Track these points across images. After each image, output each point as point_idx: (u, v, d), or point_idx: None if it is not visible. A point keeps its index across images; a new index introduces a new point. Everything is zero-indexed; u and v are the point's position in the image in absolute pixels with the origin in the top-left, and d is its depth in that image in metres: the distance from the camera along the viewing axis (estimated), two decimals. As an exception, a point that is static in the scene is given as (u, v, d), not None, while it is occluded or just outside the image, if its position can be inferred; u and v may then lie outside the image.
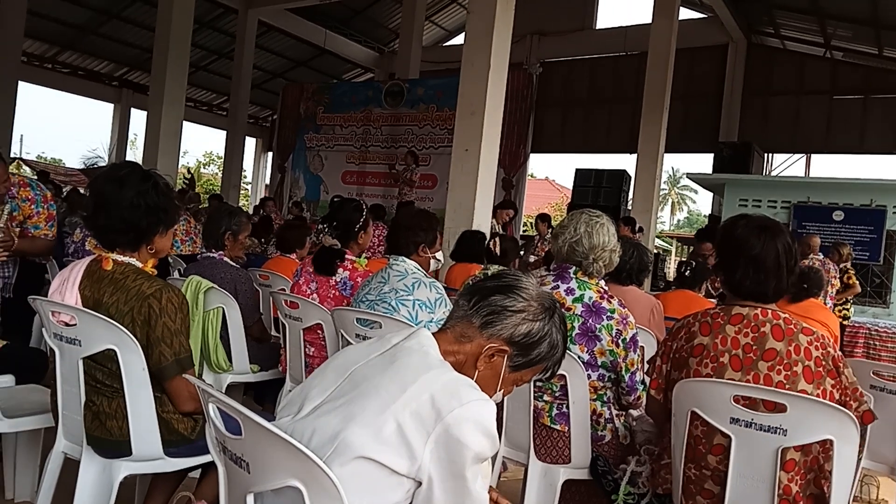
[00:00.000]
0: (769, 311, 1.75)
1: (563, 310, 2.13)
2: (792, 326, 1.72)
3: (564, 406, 2.17)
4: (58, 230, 5.10)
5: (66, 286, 1.88)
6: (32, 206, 3.44)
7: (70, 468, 1.96)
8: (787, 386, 1.66)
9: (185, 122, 8.58)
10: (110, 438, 1.85)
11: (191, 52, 8.71)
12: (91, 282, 1.87)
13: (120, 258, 1.88)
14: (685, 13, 12.33)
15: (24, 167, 21.82)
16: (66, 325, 1.83)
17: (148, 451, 1.85)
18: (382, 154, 12.23)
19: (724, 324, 1.78)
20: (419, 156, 10.93)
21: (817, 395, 1.64)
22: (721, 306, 1.87)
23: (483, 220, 6.11)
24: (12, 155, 14.61)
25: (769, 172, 13.86)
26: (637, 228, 8.97)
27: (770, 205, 10.75)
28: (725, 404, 1.66)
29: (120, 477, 1.85)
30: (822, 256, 6.86)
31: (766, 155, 13.50)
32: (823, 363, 1.68)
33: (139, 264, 1.91)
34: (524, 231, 15.22)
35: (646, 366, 2.22)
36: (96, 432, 1.86)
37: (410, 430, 1.09)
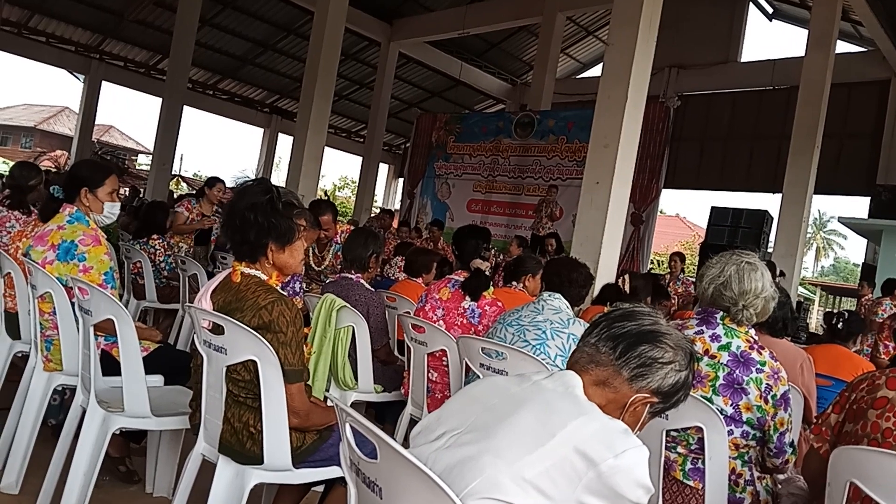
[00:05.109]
0: None
1: (707, 357, 2.02)
2: None
3: (700, 461, 2.01)
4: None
5: (205, 294, 1.98)
6: None
7: (206, 470, 2.05)
8: None
9: (325, 148, 9.04)
10: (236, 450, 1.92)
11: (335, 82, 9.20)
12: (223, 292, 1.96)
13: (247, 270, 1.95)
14: (842, 46, 11.52)
15: (182, 184, 23.94)
16: (214, 333, 1.93)
17: (278, 462, 1.91)
18: (509, 184, 12.26)
19: None
20: (559, 189, 10.86)
21: None
22: None
23: (610, 256, 5.92)
24: (173, 172, 16.05)
25: (935, 221, 12.53)
26: (778, 273, 8.36)
27: (936, 256, 9.69)
28: (893, 479, 1.46)
29: (251, 484, 1.90)
30: None
31: (932, 201, 12.22)
32: None
33: (264, 277, 1.96)
34: (651, 269, 14.65)
35: (793, 425, 2.03)
36: (226, 440, 1.93)
37: (558, 476, 1.06)
